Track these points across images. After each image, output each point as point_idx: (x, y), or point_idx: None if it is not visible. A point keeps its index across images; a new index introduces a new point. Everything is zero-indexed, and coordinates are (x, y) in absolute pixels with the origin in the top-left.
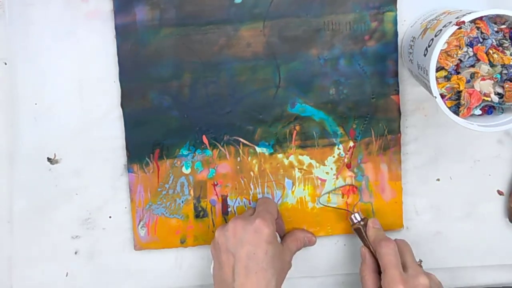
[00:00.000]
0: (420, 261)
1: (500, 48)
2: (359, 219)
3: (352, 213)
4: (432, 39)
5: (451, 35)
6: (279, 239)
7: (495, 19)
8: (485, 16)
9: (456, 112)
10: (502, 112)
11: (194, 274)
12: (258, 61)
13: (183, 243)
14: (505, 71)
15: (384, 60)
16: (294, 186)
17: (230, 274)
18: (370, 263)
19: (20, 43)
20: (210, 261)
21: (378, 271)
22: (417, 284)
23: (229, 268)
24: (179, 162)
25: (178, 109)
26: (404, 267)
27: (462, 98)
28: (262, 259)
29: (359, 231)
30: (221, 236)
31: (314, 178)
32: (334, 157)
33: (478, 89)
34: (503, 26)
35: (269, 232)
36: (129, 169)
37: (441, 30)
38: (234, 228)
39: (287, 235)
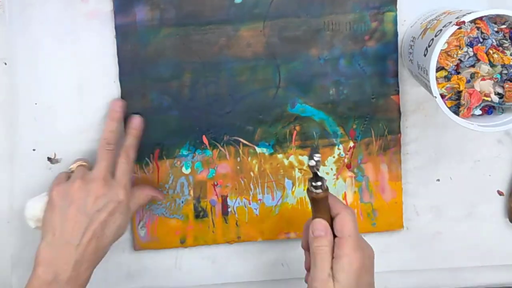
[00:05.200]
0: None
1: (500, 48)
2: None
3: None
4: (432, 39)
5: (451, 35)
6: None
7: (495, 19)
8: (485, 16)
9: (456, 112)
10: (502, 112)
11: (194, 274)
12: (258, 61)
13: (183, 243)
14: (505, 71)
15: (384, 60)
16: (294, 186)
17: (76, 234)
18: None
19: (20, 43)
20: (210, 261)
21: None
22: (370, 253)
23: (76, 228)
24: (179, 162)
25: (178, 109)
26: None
27: (462, 98)
28: (112, 229)
29: (321, 200)
30: (82, 191)
31: None
32: (334, 157)
33: (478, 89)
34: (503, 26)
35: (126, 203)
36: None
37: (441, 30)
38: (99, 189)
39: (134, 187)
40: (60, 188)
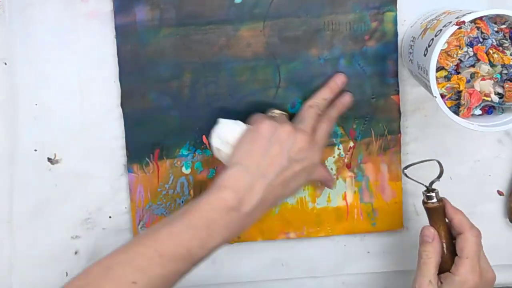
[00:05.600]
0: None
1: (500, 48)
2: (435, 199)
3: (429, 190)
4: (432, 39)
5: (451, 35)
6: None
7: (495, 19)
8: (485, 16)
9: (456, 112)
10: (502, 112)
11: (194, 274)
12: (258, 61)
13: None
14: (505, 71)
15: (384, 60)
16: None
17: (272, 172)
18: (438, 245)
19: (20, 43)
20: (210, 261)
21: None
22: (488, 278)
23: (275, 167)
24: (179, 162)
25: (178, 109)
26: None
27: (462, 98)
28: (298, 185)
29: (433, 211)
30: (290, 137)
31: None
32: (334, 157)
33: (478, 89)
34: (503, 26)
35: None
36: (129, 169)
37: (441, 30)
38: (305, 142)
39: None
40: (271, 123)
